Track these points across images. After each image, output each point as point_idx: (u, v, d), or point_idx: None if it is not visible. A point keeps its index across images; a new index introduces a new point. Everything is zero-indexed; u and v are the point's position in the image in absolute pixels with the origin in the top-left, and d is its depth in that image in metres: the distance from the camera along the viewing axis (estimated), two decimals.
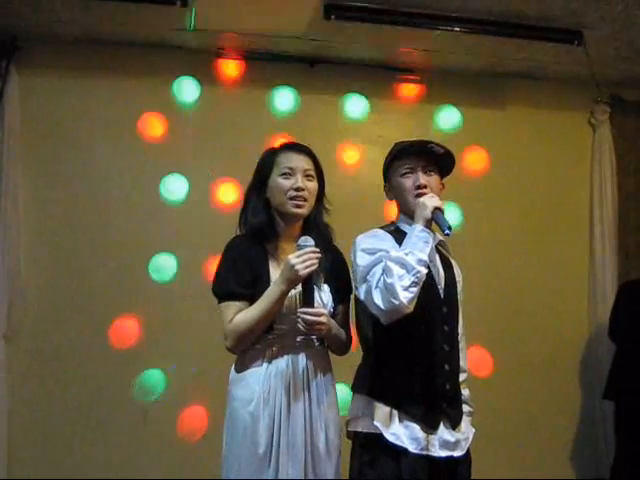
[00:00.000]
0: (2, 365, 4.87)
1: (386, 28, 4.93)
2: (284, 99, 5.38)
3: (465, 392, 3.17)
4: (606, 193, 5.80)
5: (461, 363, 3.17)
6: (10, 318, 4.91)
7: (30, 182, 5.07)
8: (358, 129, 5.56)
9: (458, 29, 4.96)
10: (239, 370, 3.12)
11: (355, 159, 5.50)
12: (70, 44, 5.16)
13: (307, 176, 3.15)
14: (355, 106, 5.54)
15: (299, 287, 3.00)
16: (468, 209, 5.28)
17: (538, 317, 5.64)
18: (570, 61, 5.41)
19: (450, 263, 3.24)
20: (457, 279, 3.24)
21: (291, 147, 3.23)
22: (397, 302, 2.76)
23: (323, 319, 2.98)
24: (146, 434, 5.03)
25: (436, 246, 3.15)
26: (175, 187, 5.22)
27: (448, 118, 5.57)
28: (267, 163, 3.20)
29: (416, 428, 2.95)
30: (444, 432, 2.99)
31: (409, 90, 5.61)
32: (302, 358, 3.09)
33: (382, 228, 3.17)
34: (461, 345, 3.19)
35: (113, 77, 5.20)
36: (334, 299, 3.20)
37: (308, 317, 2.94)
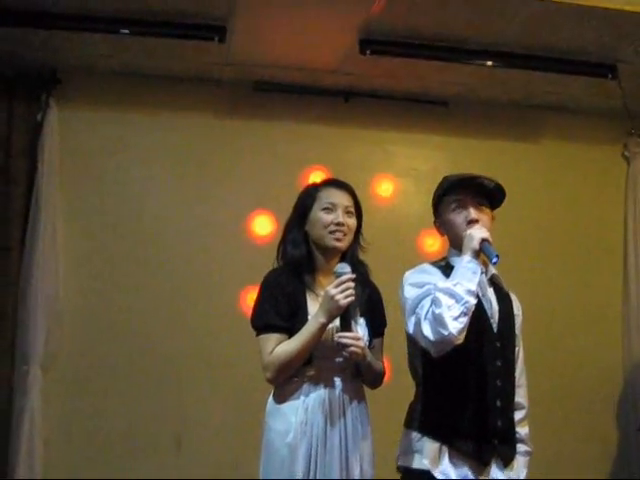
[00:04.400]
0: (39, 394, 4.88)
1: (420, 62, 4.97)
2: (319, 132, 5.42)
3: (523, 431, 3.14)
4: None
5: (519, 400, 3.13)
6: (47, 347, 4.93)
7: (68, 212, 5.13)
8: (392, 162, 5.60)
9: (491, 63, 4.99)
10: (277, 402, 3.14)
11: (389, 192, 5.54)
12: (109, 77, 5.24)
13: (347, 212, 3.19)
14: (389, 139, 5.58)
15: (336, 321, 3.02)
16: (503, 241, 5.27)
17: (572, 346, 5.61)
18: (603, 93, 5.40)
19: (508, 297, 3.21)
20: (516, 313, 3.21)
21: (334, 183, 3.29)
22: (446, 332, 2.73)
23: (360, 343, 3.00)
24: (181, 462, 5.05)
25: (490, 280, 3.15)
26: (212, 218, 5.28)
27: (480, 151, 5.60)
28: (309, 197, 3.26)
29: (465, 466, 2.92)
30: (495, 470, 2.96)
31: (442, 123, 5.63)
32: (338, 390, 3.11)
33: (432, 263, 3.17)
34: (520, 382, 3.16)
35: (152, 110, 5.28)
36: (369, 333, 3.22)
37: (346, 340, 2.97)
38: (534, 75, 5.15)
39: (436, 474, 2.91)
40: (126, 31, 4.66)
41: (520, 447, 3.10)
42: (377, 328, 3.30)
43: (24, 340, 4.90)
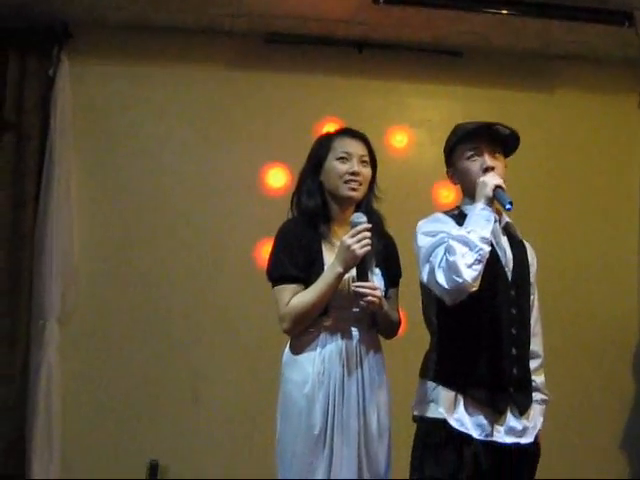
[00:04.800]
0: (56, 348, 4.93)
1: (434, 11, 4.92)
2: (332, 84, 5.38)
3: (539, 379, 3.14)
4: None
5: (534, 348, 3.13)
6: (64, 301, 4.98)
7: (82, 167, 5.14)
8: (406, 113, 5.57)
9: (506, 11, 4.93)
10: (293, 353, 3.15)
11: (403, 143, 5.50)
12: (120, 30, 5.20)
13: (362, 162, 3.18)
14: (402, 90, 5.54)
15: (352, 271, 3.02)
16: (517, 191, 5.23)
17: (586, 295, 5.60)
18: (620, 43, 5.32)
19: (522, 245, 3.20)
20: (530, 261, 3.20)
21: (348, 133, 3.27)
22: (461, 280, 2.73)
23: (377, 292, 3.01)
24: (197, 414, 5.10)
25: (504, 228, 3.13)
26: (226, 172, 5.27)
27: (495, 101, 5.55)
28: (323, 147, 3.24)
29: (481, 415, 2.92)
30: (510, 418, 2.95)
31: (457, 73, 5.57)
32: (355, 340, 3.11)
33: (445, 212, 3.16)
34: (535, 330, 3.15)
35: (164, 63, 5.25)
36: (385, 283, 3.22)
37: (363, 290, 2.97)
38: (549, 23, 5.07)
39: (451, 422, 2.92)
40: None
41: (536, 395, 3.10)
42: (392, 278, 3.29)
43: (40, 295, 4.94)
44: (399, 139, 5.50)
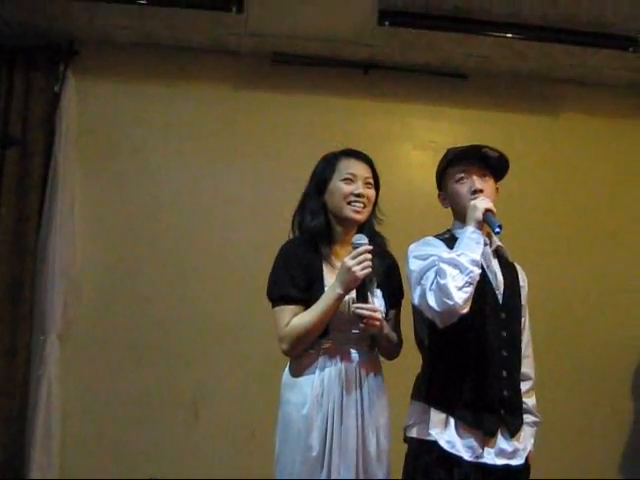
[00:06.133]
0: (56, 364, 4.93)
1: (439, 34, 4.96)
2: (337, 104, 5.40)
3: (530, 401, 3.16)
4: None
5: (525, 370, 3.15)
6: (65, 316, 4.98)
7: (86, 183, 5.17)
8: (410, 135, 5.58)
9: (510, 35, 4.95)
10: (293, 374, 3.13)
11: (407, 165, 5.50)
12: (127, 49, 5.26)
13: (367, 184, 3.18)
14: (407, 111, 5.55)
15: (352, 293, 3.01)
16: (522, 214, 5.24)
17: (589, 320, 5.56)
18: (625, 66, 5.37)
19: (514, 268, 3.22)
20: (521, 284, 3.22)
21: (353, 154, 3.26)
22: (452, 302, 2.77)
23: (378, 315, 2.99)
24: (197, 431, 5.10)
25: (495, 251, 3.16)
26: (230, 190, 5.29)
27: (499, 124, 5.56)
28: (328, 167, 3.23)
29: (471, 437, 2.93)
30: (501, 440, 2.97)
31: (462, 96, 5.58)
32: (355, 362, 3.09)
33: (436, 236, 3.18)
34: (526, 352, 3.18)
35: (168, 81, 5.29)
36: (386, 304, 3.20)
37: (363, 311, 2.95)
38: (554, 47, 5.11)
39: (442, 444, 2.94)
40: (144, 1, 4.65)
41: (527, 417, 3.12)
42: (393, 300, 3.28)
43: (42, 309, 4.97)
44: (403, 161, 5.50)
